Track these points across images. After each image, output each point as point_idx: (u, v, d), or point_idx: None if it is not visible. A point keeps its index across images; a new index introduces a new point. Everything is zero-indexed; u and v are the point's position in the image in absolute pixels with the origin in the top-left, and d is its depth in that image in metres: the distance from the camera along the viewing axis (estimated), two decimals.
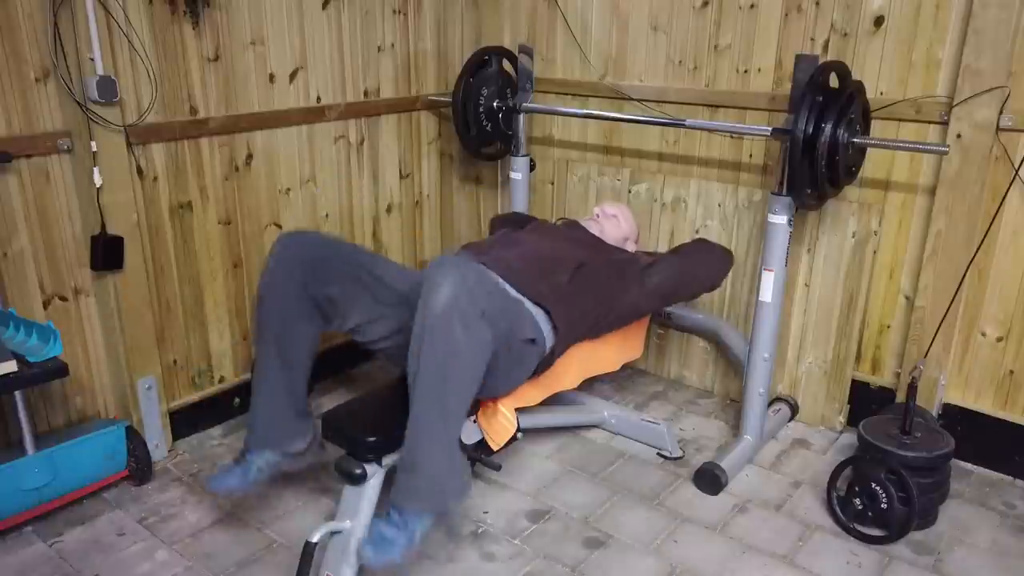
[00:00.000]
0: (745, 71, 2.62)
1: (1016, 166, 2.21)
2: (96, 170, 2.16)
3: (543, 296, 2.06)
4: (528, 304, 2.04)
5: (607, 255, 2.33)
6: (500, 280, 2.05)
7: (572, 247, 2.30)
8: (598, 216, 2.55)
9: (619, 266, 2.29)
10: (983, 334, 2.40)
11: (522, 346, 1.96)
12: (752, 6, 2.56)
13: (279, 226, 2.76)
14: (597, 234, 2.48)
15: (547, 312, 2.05)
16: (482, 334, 1.65)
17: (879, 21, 2.35)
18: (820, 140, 2.09)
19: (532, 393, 2.14)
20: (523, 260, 2.15)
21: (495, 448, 2.02)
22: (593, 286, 2.19)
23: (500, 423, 2.01)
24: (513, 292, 2.04)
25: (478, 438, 2.03)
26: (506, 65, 2.95)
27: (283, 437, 1.99)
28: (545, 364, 2.08)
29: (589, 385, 2.46)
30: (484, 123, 2.92)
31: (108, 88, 2.12)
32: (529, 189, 3.00)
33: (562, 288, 2.11)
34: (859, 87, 2.19)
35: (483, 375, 1.72)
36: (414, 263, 3.36)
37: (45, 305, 2.24)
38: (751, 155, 2.69)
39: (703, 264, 2.40)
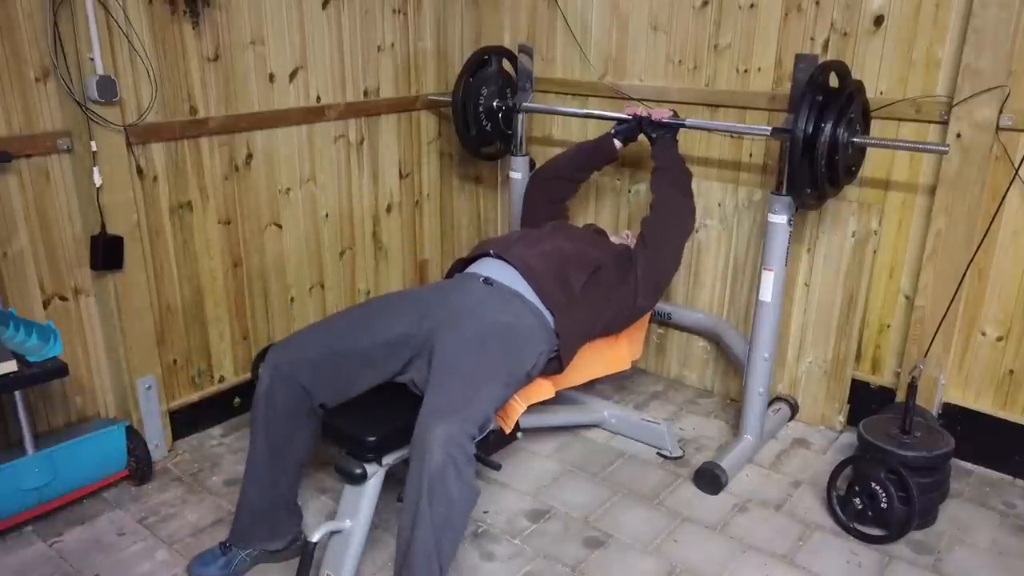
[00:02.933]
0: (745, 71, 2.62)
1: (1016, 166, 2.21)
2: (96, 170, 2.16)
3: (553, 301, 2.08)
4: (540, 304, 2.07)
5: (618, 262, 2.34)
6: (519, 276, 2.10)
7: (592, 249, 2.30)
8: (627, 237, 2.54)
9: (624, 269, 2.30)
10: (983, 334, 2.40)
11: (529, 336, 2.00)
12: (752, 6, 2.56)
13: (279, 226, 2.76)
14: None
15: (553, 317, 2.07)
16: (472, 481, 1.69)
17: (879, 20, 2.35)
18: (820, 140, 2.09)
19: (543, 387, 2.14)
20: (542, 257, 2.17)
21: (507, 431, 2.01)
22: (604, 291, 2.20)
23: (510, 405, 2.01)
24: (528, 293, 2.08)
25: (485, 432, 2.02)
26: (506, 65, 2.95)
27: (266, 536, 1.98)
28: (554, 366, 2.09)
29: (589, 385, 2.46)
30: (484, 123, 2.92)
31: (108, 88, 2.12)
32: None
33: (574, 293, 2.12)
34: (859, 86, 2.19)
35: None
36: (414, 263, 3.36)
37: (45, 305, 2.24)
38: (751, 155, 2.69)
39: (668, 242, 2.35)
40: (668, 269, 2.35)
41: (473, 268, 2.21)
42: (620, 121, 2.57)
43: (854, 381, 2.62)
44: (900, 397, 2.48)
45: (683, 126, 2.45)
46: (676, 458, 2.51)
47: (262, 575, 1.99)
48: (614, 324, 2.27)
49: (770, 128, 2.31)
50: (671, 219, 2.33)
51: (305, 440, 1.92)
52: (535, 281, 2.09)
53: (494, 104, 2.91)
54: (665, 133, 2.43)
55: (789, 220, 2.26)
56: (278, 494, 1.95)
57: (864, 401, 2.60)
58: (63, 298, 2.28)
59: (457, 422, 1.65)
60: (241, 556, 1.97)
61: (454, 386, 1.77)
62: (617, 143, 2.57)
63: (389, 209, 3.18)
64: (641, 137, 2.53)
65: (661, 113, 2.45)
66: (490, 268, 2.16)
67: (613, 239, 2.52)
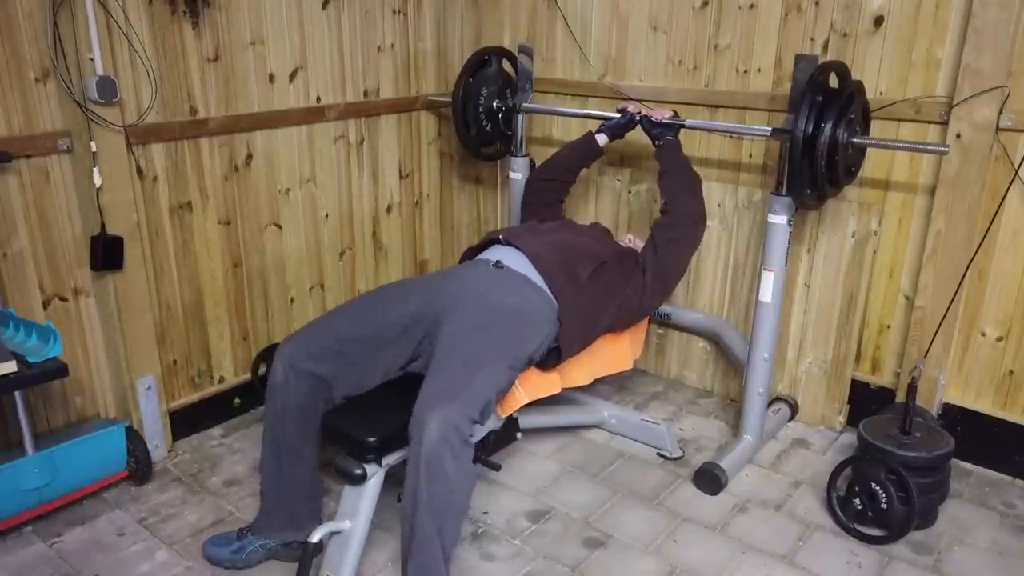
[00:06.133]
0: (745, 71, 2.62)
1: (1016, 166, 2.21)
2: (96, 170, 2.16)
3: (559, 288, 2.11)
4: (547, 289, 2.11)
5: (622, 260, 2.34)
6: (528, 262, 2.14)
7: (598, 244, 2.33)
8: (630, 240, 2.55)
9: (628, 269, 2.31)
10: (983, 334, 2.40)
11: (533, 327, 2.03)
12: (752, 6, 2.56)
13: (279, 226, 2.76)
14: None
15: (557, 304, 2.10)
16: (469, 463, 1.71)
17: (879, 21, 2.35)
18: (820, 140, 2.09)
19: (551, 382, 2.14)
20: (550, 246, 2.22)
21: (501, 415, 2.01)
22: (608, 286, 2.22)
23: (512, 395, 2.00)
24: (536, 277, 2.12)
25: (484, 433, 2.02)
26: (506, 65, 2.95)
27: (286, 527, 1.99)
28: (553, 357, 2.10)
29: (589, 385, 2.45)
30: (484, 123, 2.92)
31: (108, 88, 2.12)
32: None
33: (579, 283, 2.15)
34: (859, 87, 2.19)
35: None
36: (414, 263, 3.36)
37: (45, 305, 2.24)
38: (751, 155, 2.69)
39: (678, 247, 2.35)
40: (676, 273, 2.36)
41: (483, 255, 2.26)
42: (610, 118, 2.58)
43: (854, 381, 2.62)
44: (900, 397, 2.48)
45: (683, 126, 2.45)
46: (676, 458, 2.51)
47: (263, 574, 1.99)
48: (617, 324, 2.28)
49: (770, 128, 2.31)
50: (680, 224, 2.34)
51: (318, 432, 1.93)
52: (543, 267, 2.13)
53: (494, 104, 2.91)
54: (667, 134, 2.44)
55: (789, 220, 2.26)
56: (297, 486, 1.96)
57: (864, 401, 2.60)
58: (63, 298, 2.28)
59: (455, 406, 1.67)
60: (256, 545, 1.98)
61: (455, 369, 1.78)
62: (602, 139, 2.58)
63: (389, 209, 3.18)
64: (642, 135, 2.53)
65: (661, 114, 2.46)
66: (500, 253, 2.21)
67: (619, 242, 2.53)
